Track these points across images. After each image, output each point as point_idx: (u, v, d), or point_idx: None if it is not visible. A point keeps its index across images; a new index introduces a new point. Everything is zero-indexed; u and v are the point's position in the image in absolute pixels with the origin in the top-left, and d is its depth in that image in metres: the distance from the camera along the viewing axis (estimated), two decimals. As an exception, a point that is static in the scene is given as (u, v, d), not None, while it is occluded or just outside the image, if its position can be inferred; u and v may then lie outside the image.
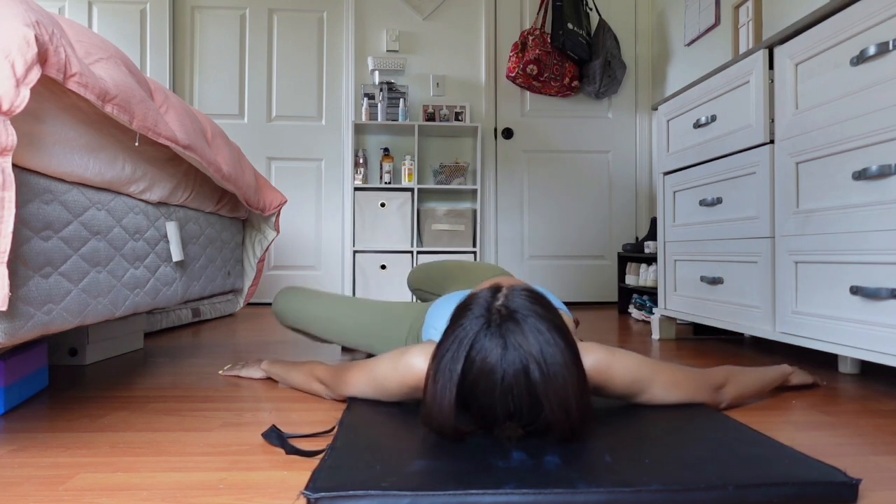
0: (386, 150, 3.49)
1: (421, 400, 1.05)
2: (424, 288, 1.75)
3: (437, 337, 1.09)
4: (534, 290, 0.88)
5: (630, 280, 3.03)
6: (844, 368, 1.54)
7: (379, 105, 3.38)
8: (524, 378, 0.78)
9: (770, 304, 1.56)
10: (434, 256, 3.37)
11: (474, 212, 3.53)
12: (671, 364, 1.07)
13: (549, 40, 3.39)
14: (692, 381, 1.05)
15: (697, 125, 1.90)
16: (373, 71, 3.50)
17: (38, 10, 0.87)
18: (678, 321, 2.62)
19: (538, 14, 3.46)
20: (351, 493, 0.66)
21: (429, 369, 0.84)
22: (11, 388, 1.14)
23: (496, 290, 0.87)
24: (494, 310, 0.83)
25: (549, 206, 3.67)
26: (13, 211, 0.79)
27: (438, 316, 1.17)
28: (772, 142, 1.57)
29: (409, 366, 1.00)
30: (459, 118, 3.53)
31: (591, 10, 3.59)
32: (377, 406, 1.07)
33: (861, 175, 1.24)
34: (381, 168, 3.46)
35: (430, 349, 1.01)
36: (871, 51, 1.21)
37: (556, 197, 3.67)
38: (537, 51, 3.35)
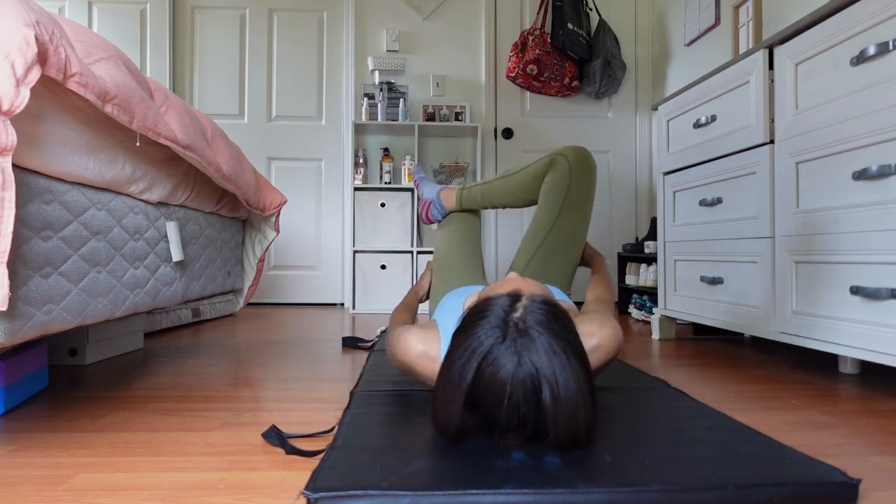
0: (386, 150, 3.49)
1: (416, 380, 1.12)
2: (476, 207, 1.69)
3: (442, 320, 1.12)
4: (553, 303, 0.85)
5: (630, 280, 3.03)
6: (844, 368, 1.54)
7: (379, 105, 3.38)
8: (534, 398, 0.77)
9: (770, 304, 1.56)
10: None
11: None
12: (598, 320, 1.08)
13: (549, 40, 3.39)
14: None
15: (697, 125, 1.90)
16: (373, 71, 3.50)
17: (39, 9, 0.87)
18: (678, 321, 2.62)
19: (538, 14, 3.46)
20: (351, 493, 0.66)
21: (440, 372, 0.84)
22: (11, 388, 1.14)
23: (515, 298, 0.85)
24: (511, 322, 0.80)
25: (549, 206, 3.66)
26: (13, 211, 0.79)
27: (452, 308, 1.18)
28: (772, 142, 1.57)
29: (407, 345, 1.07)
30: (459, 118, 3.53)
31: (591, 10, 3.59)
32: (377, 406, 1.07)
33: (861, 175, 1.24)
34: (381, 168, 3.46)
35: (429, 336, 1.07)
36: (871, 51, 1.21)
37: (556, 197, 3.67)
38: (537, 51, 3.35)
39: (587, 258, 1.52)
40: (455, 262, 1.53)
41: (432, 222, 1.70)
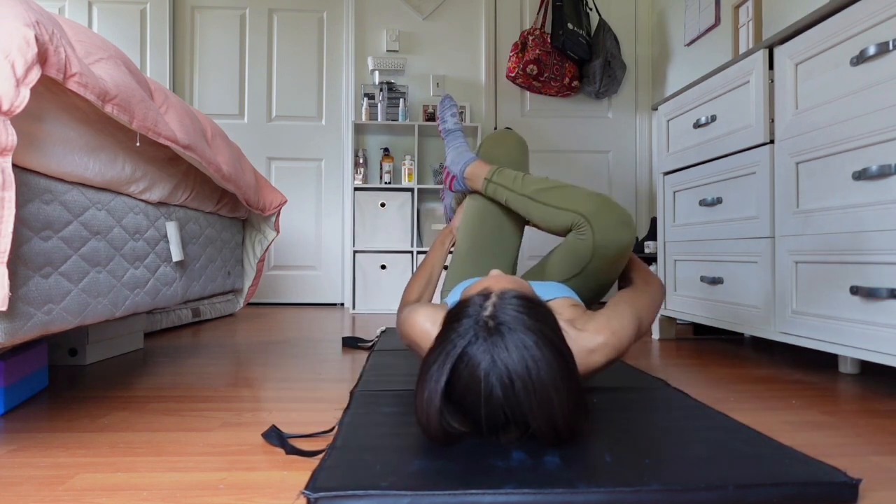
0: (386, 150, 3.49)
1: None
2: (498, 161, 1.51)
3: (450, 301, 1.17)
4: (525, 296, 0.85)
5: (630, 280, 3.03)
6: (844, 368, 1.54)
7: (379, 105, 3.38)
8: (511, 394, 0.77)
9: (770, 304, 1.56)
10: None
11: (474, 212, 3.52)
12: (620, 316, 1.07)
13: (549, 40, 3.39)
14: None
15: (697, 125, 1.90)
16: (373, 71, 3.50)
17: (39, 9, 0.87)
18: (678, 321, 2.62)
19: (538, 14, 3.46)
20: (351, 493, 0.66)
21: (419, 374, 0.84)
22: (11, 388, 1.14)
23: (485, 296, 0.85)
24: (482, 321, 0.81)
25: (549, 206, 3.66)
26: (13, 211, 0.79)
27: (454, 301, 1.19)
28: (772, 142, 1.57)
29: (414, 321, 1.11)
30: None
31: (591, 10, 3.59)
32: (377, 406, 1.07)
33: (861, 175, 1.24)
34: (381, 168, 3.46)
35: (436, 315, 1.10)
36: (871, 51, 1.21)
37: (556, 197, 3.67)
38: (537, 51, 3.35)
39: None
40: (480, 252, 1.43)
41: (454, 192, 1.54)
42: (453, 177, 1.51)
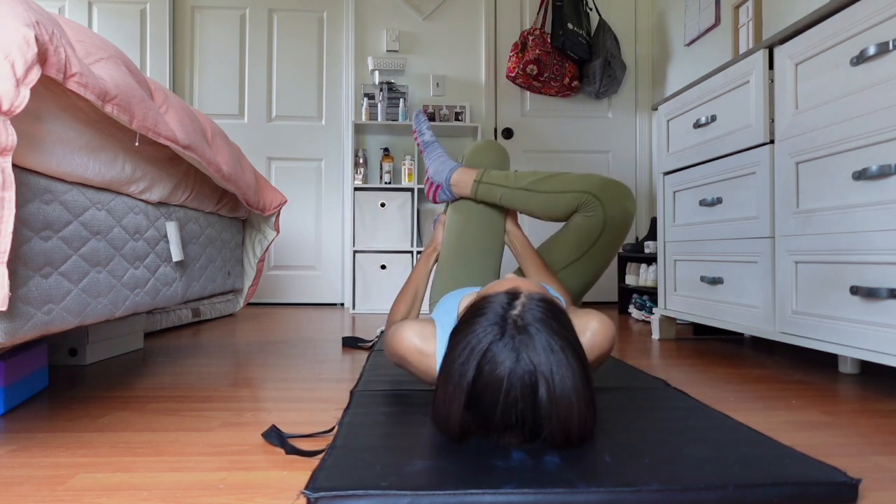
0: (386, 150, 3.49)
1: (414, 374, 1.13)
2: (484, 165, 1.51)
3: (440, 319, 1.12)
4: (551, 301, 0.86)
5: (630, 280, 3.03)
6: (844, 368, 1.54)
7: (379, 105, 3.38)
8: (531, 395, 0.77)
9: (770, 304, 1.56)
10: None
11: (474, 212, 3.52)
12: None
13: (549, 40, 3.39)
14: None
15: (697, 125, 1.90)
16: (373, 71, 3.50)
17: (39, 10, 0.87)
18: (678, 321, 2.62)
19: (538, 14, 3.47)
20: (351, 492, 0.66)
21: (440, 371, 0.84)
22: (11, 388, 1.14)
23: (513, 296, 0.85)
24: (510, 320, 0.81)
25: (549, 206, 3.66)
26: (13, 211, 0.79)
27: (451, 308, 1.18)
28: (772, 142, 1.57)
29: (402, 338, 1.09)
30: (459, 118, 3.53)
31: (591, 10, 3.59)
32: (377, 406, 1.07)
33: (861, 175, 1.24)
34: (381, 168, 3.46)
35: (426, 332, 1.08)
36: (871, 51, 1.21)
37: (556, 197, 3.66)
38: (537, 51, 3.35)
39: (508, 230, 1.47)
40: (465, 257, 1.44)
41: (438, 203, 1.57)
42: (437, 186, 1.51)
